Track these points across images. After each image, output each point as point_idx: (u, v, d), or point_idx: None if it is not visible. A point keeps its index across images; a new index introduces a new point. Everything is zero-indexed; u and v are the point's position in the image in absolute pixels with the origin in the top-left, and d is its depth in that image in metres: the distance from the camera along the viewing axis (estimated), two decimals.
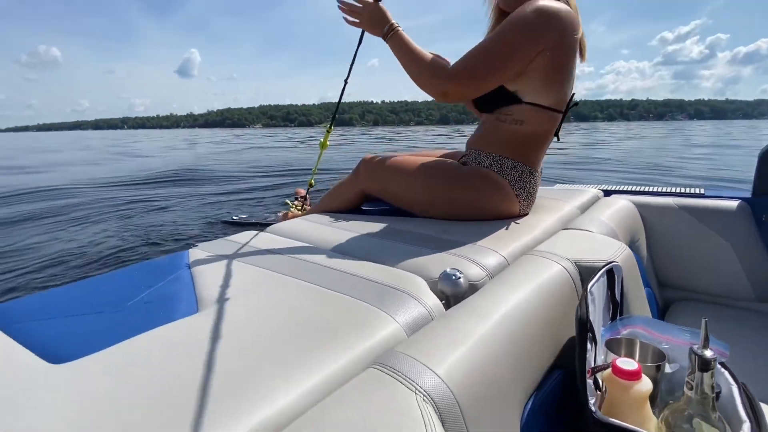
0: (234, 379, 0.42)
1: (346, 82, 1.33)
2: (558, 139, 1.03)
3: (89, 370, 0.46)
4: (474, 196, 0.98)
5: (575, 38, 0.89)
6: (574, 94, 0.99)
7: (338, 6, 1.01)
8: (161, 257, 0.84)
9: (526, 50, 0.86)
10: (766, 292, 1.03)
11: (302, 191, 4.00)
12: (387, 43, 0.96)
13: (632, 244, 1.01)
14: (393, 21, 0.96)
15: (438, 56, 0.98)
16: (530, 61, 0.88)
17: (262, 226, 3.44)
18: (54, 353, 0.50)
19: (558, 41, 0.87)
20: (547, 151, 1.05)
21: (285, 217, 1.67)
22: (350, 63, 1.27)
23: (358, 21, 1.01)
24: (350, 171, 1.19)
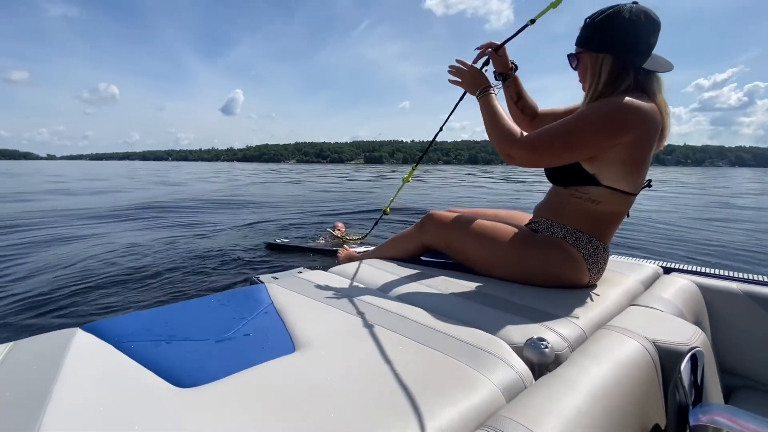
0: (355, 424, 0.44)
1: (440, 129, 1.43)
2: (628, 216, 1.02)
3: (218, 398, 0.48)
4: (547, 265, 0.99)
5: (655, 133, 0.89)
6: (650, 180, 0.99)
7: (448, 69, 1.14)
8: (241, 288, 0.90)
9: (601, 141, 0.88)
10: None
11: (341, 225, 4.17)
12: (478, 100, 1.06)
13: (698, 326, 1.00)
14: (489, 85, 1.06)
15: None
16: (606, 150, 0.88)
17: (303, 250, 3.55)
18: (178, 377, 0.53)
19: (638, 136, 0.87)
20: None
21: (336, 248, 1.72)
22: (448, 114, 1.34)
23: (460, 81, 1.12)
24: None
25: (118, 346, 0.60)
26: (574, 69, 0.99)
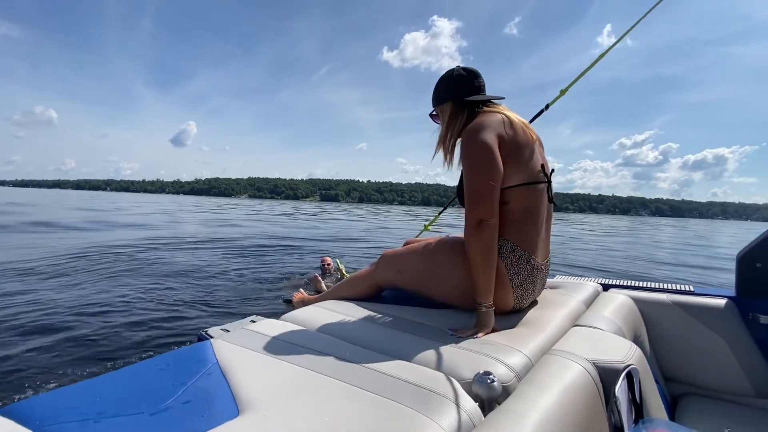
0: None
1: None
2: (555, 205, 1.12)
3: None
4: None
5: (510, 129, 1.03)
6: (550, 168, 1.10)
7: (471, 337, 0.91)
8: (184, 348, 0.83)
9: (498, 163, 0.98)
10: (765, 388, 1.05)
11: (328, 259, 3.85)
12: (486, 303, 0.95)
13: (636, 340, 1.05)
14: (482, 303, 0.95)
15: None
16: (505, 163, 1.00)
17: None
18: None
19: (502, 139, 1.01)
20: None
21: (299, 297, 1.68)
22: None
23: (485, 328, 0.93)
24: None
25: (40, 430, 0.53)
26: (438, 123, 1.20)
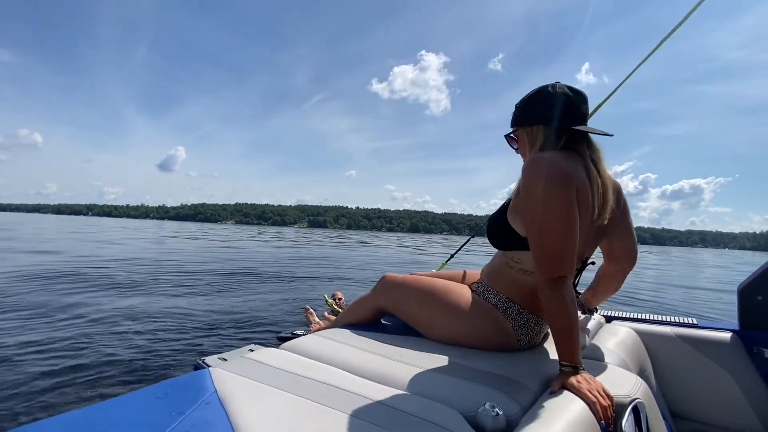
0: None
1: None
2: (577, 295, 0.94)
3: None
4: (476, 331, 0.98)
5: (585, 194, 0.83)
6: (587, 257, 0.95)
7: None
8: (181, 376, 0.80)
9: (574, 205, 0.80)
10: None
11: (340, 294, 3.59)
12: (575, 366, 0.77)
13: (641, 374, 1.03)
14: (570, 363, 0.76)
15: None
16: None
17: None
18: None
19: (583, 206, 0.82)
20: None
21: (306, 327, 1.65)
22: None
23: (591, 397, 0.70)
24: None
25: None
26: (516, 150, 1.00)
